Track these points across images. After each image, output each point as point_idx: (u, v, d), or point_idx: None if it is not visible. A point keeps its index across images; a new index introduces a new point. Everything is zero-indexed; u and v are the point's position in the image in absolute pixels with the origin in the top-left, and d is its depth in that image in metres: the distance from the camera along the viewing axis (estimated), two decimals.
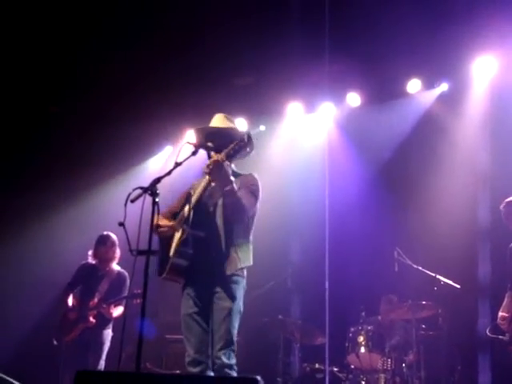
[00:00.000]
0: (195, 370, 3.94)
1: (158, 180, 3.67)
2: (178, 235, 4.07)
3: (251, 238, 4.20)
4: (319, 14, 6.20)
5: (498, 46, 6.60)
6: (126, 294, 6.08)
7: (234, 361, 3.92)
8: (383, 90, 7.45)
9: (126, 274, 6.27)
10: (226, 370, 3.85)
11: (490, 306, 5.78)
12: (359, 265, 7.07)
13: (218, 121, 4.38)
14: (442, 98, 7.32)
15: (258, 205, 4.20)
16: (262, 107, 7.84)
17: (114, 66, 7.15)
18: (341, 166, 7.45)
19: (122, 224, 3.58)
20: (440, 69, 7.09)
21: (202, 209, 4.08)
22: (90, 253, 6.37)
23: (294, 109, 7.91)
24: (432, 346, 6.23)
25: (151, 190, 3.60)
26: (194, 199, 4.04)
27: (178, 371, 6.42)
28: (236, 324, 3.98)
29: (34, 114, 7.73)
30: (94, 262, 6.34)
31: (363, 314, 6.46)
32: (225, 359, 3.86)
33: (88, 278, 6.29)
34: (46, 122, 7.80)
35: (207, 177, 4.01)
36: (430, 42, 6.36)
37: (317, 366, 6.38)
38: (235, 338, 3.96)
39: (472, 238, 6.44)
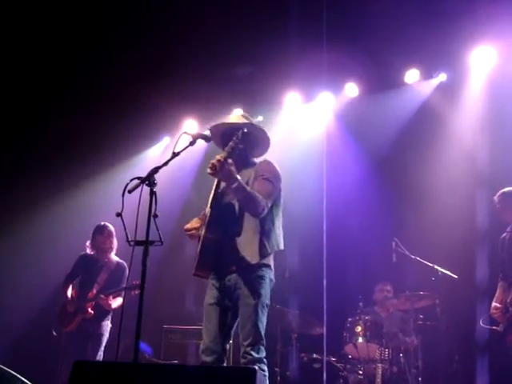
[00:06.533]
0: (208, 358, 3.99)
1: (155, 170, 3.66)
2: (202, 233, 4.14)
3: (279, 222, 4.26)
4: (317, 3, 6.17)
5: (496, 36, 6.57)
6: (125, 284, 6.08)
7: (263, 354, 3.97)
8: (381, 80, 7.43)
9: (125, 264, 6.27)
10: (257, 364, 3.86)
11: (488, 296, 5.78)
12: (357, 255, 7.07)
13: (233, 118, 4.45)
14: (440, 88, 7.30)
15: (280, 186, 4.26)
16: (260, 97, 7.81)
17: (112, 56, 7.13)
18: (339, 156, 7.44)
19: (119, 214, 3.57)
20: (438, 59, 7.07)
21: (221, 205, 4.13)
22: (87, 243, 6.37)
23: (292, 99, 7.89)
24: (429, 336, 6.25)
25: (149, 180, 3.59)
26: (210, 197, 4.11)
27: (175, 361, 6.44)
28: (263, 318, 4.02)
29: (34, 104, 7.70)
30: (92, 253, 6.34)
31: (361, 304, 6.48)
32: (254, 354, 3.91)
33: (87, 269, 6.29)
34: (46, 113, 7.78)
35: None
36: (429, 31, 6.33)
37: (314, 356, 6.40)
38: (263, 331, 4.00)
39: (470, 229, 6.44)
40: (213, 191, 4.13)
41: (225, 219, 4.10)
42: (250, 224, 4.08)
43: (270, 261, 4.15)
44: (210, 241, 4.04)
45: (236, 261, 4.04)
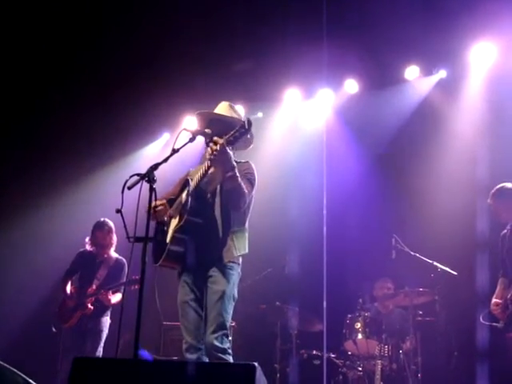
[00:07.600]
0: (192, 356, 3.96)
1: (155, 167, 3.66)
2: (174, 222, 4.09)
3: (247, 225, 4.20)
4: None
5: (496, 32, 6.56)
6: (124, 280, 6.08)
7: (227, 345, 3.90)
8: (381, 77, 7.42)
9: (124, 260, 6.28)
10: (219, 355, 3.83)
11: (488, 292, 5.78)
12: (357, 251, 7.07)
13: (221, 108, 4.36)
14: (440, 84, 7.30)
15: (254, 193, 4.19)
16: (260, 93, 7.81)
17: (111, 52, 7.12)
18: (339, 152, 7.44)
19: (119, 211, 3.57)
20: (438, 55, 7.06)
21: (200, 196, 4.07)
22: (87, 240, 6.38)
23: (291, 95, 7.88)
24: (429, 333, 6.25)
25: (148, 176, 3.59)
26: (192, 186, 4.02)
27: (175, 358, 6.44)
28: (229, 309, 3.97)
29: (31, 100, 7.69)
30: (91, 249, 6.35)
31: (361, 300, 6.48)
32: (217, 343, 3.85)
33: (86, 265, 6.30)
34: (46, 108, 7.76)
35: (206, 163, 3.97)
36: (428, 28, 6.32)
37: (314, 352, 6.39)
38: (228, 323, 3.96)
39: (470, 226, 6.43)
40: (197, 179, 4.03)
41: (203, 211, 4.04)
42: (225, 223, 4.05)
43: (240, 258, 4.13)
44: (187, 230, 3.98)
45: (211, 257, 4.02)
